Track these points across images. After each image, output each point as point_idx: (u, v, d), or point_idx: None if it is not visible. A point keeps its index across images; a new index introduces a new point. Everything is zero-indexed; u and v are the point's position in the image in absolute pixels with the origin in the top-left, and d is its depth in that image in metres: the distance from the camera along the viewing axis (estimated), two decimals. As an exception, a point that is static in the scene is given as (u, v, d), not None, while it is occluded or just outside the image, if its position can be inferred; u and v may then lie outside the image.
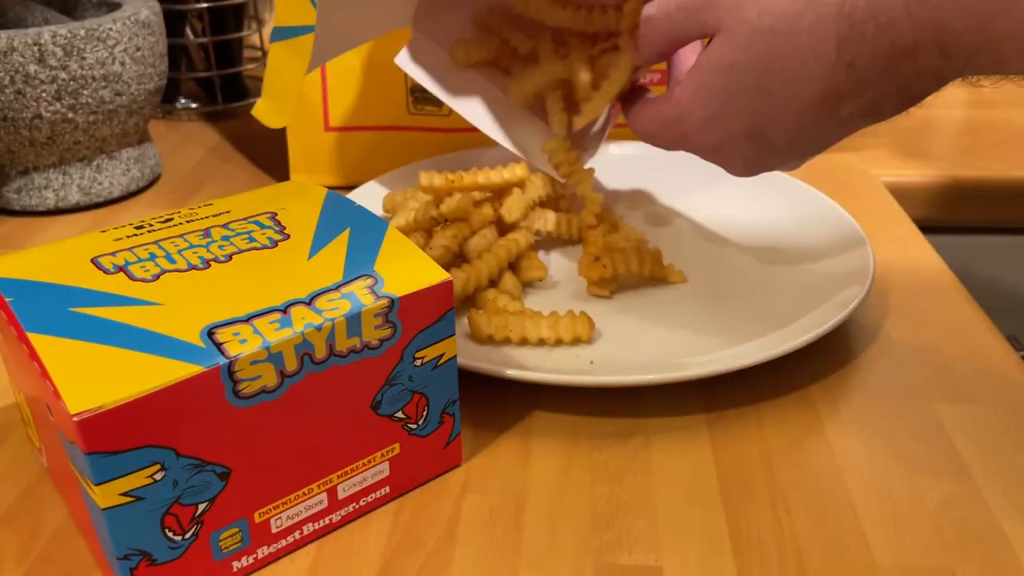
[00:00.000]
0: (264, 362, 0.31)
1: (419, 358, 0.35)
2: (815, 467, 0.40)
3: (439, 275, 0.35)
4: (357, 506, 0.37)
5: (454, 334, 0.36)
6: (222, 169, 0.75)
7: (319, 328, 0.32)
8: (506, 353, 0.46)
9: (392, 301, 0.33)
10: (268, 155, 0.76)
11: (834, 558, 0.35)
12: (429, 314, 0.35)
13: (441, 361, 0.36)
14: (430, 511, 0.38)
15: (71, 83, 0.60)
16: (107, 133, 0.65)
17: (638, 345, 0.47)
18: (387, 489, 0.37)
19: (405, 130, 0.69)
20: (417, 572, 0.35)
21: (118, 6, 0.68)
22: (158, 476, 0.30)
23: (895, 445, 0.41)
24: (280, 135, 0.69)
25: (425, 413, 0.37)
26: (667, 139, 0.44)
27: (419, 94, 0.68)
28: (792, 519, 0.37)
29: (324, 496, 0.35)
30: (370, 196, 0.60)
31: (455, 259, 0.52)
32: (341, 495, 0.36)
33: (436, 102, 0.68)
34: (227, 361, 0.30)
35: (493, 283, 0.51)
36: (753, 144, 0.40)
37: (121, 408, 0.28)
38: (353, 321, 0.32)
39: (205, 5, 0.82)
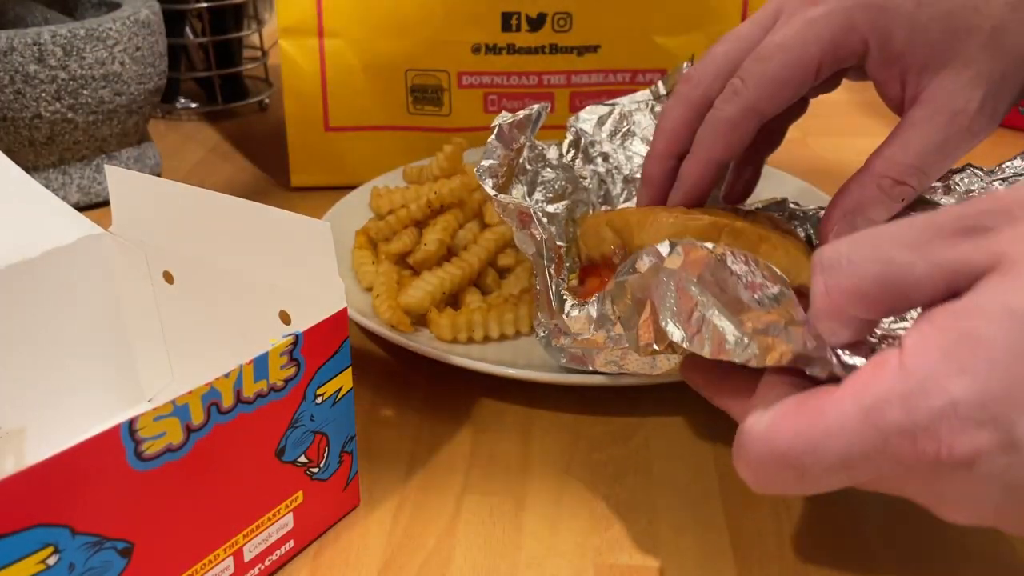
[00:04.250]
0: (169, 416, 0.28)
1: (320, 395, 0.34)
2: (815, 467, 0.40)
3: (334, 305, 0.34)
4: (263, 566, 0.34)
5: (350, 365, 0.34)
6: (222, 169, 0.75)
7: (227, 375, 0.29)
8: (506, 352, 0.46)
9: (297, 337, 0.32)
10: (268, 155, 0.76)
11: (834, 558, 0.35)
12: (328, 347, 0.33)
13: (339, 396, 0.35)
14: (430, 511, 0.38)
15: (71, 83, 0.60)
16: (107, 133, 0.65)
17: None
18: (291, 544, 0.35)
19: (405, 130, 0.69)
20: (417, 572, 0.35)
21: (118, 6, 0.68)
22: (51, 561, 0.26)
23: (895, 445, 0.41)
24: (280, 135, 0.69)
25: (326, 454, 0.35)
26: (850, 451, 0.23)
27: (419, 94, 0.68)
28: (792, 519, 0.37)
29: (231, 561, 0.32)
30: (369, 196, 0.60)
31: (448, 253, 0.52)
32: (247, 556, 0.33)
33: (436, 102, 0.68)
34: (127, 419, 0.27)
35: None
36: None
37: (8, 481, 0.24)
38: (260, 363, 0.30)
39: (205, 5, 0.82)
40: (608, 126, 0.53)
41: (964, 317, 0.23)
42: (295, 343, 0.31)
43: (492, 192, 0.42)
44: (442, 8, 0.65)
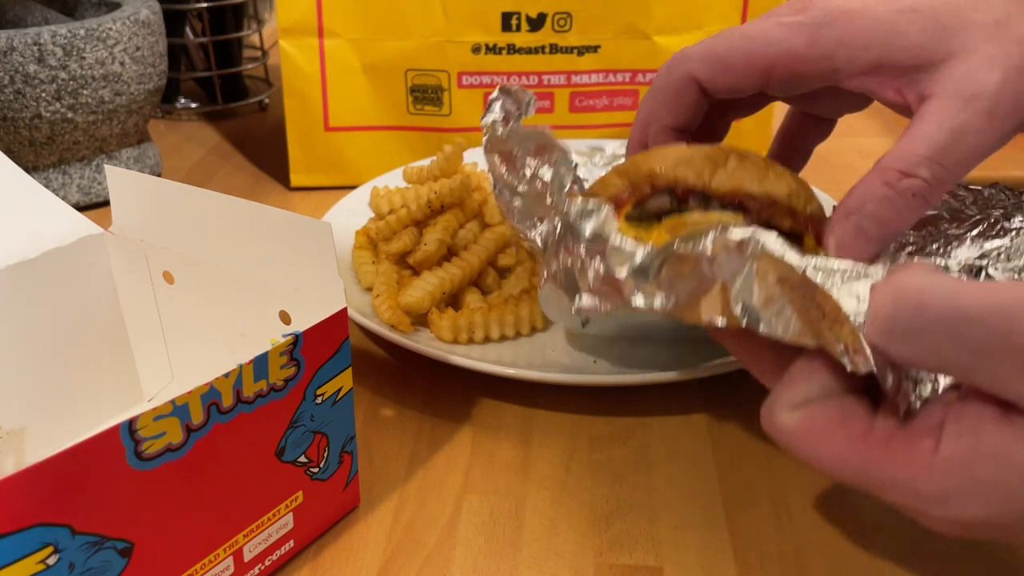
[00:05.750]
0: (168, 416, 0.28)
1: (320, 395, 0.34)
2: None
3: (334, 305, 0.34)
4: (263, 566, 0.34)
5: (350, 365, 0.34)
6: (222, 169, 0.75)
7: (227, 375, 0.29)
8: (506, 352, 0.46)
9: (297, 337, 0.31)
10: (268, 155, 0.76)
11: (834, 558, 0.35)
12: (328, 347, 0.33)
13: (339, 396, 0.35)
14: (430, 511, 0.38)
15: (71, 83, 0.60)
16: (107, 133, 0.65)
17: (639, 344, 0.47)
18: (291, 544, 0.35)
19: (405, 130, 0.69)
20: (417, 572, 0.35)
21: (118, 6, 0.68)
22: (51, 560, 0.26)
23: (895, 445, 0.41)
24: (280, 135, 0.69)
25: (326, 454, 0.35)
26: (854, 482, 0.27)
27: (419, 94, 0.68)
28: (792, 519, 0.37)
29: (230, 561, 0.32)
30: (369, 196, 0.60)
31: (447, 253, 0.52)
32: (247, 556, 0.33)
33: (436, 102, 0.68)
34: (127, 419, 0.27)
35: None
36: None
37: (8, 481, 0.24)
38: (260, 363, 0.30)
39: (205, 5, 0.82)
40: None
41: (1007, 462, 0.24)
42: (295, 343, 0.31)
43: (501, 129, 0.40)
44: (442, 8, 0.65)
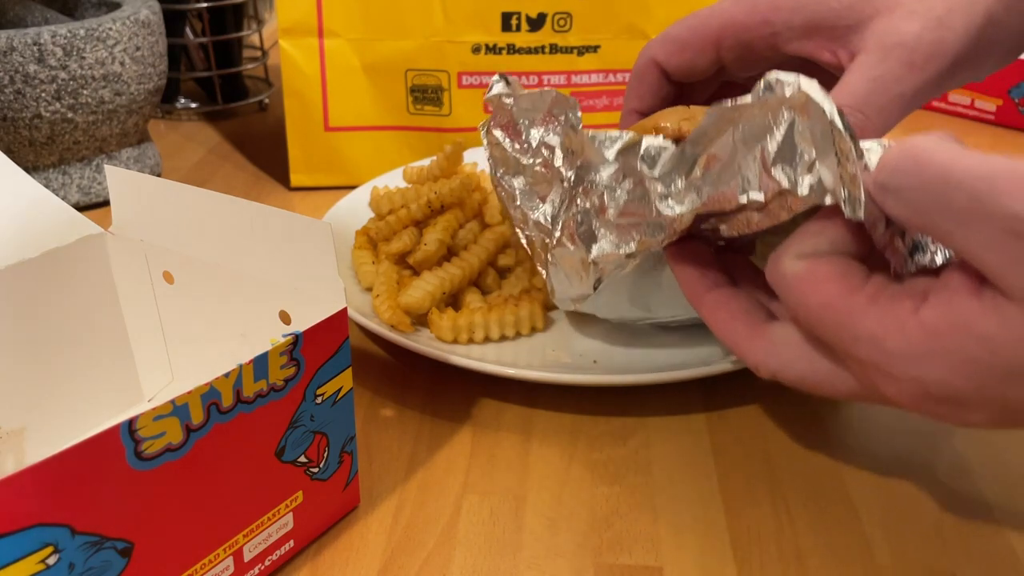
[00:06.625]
0: (168, 416, 0.28)
1: (320, 395, 0.34)
2: (815, 466, 0.40)
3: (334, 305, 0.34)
4: (263, 566, 0.34)
5: (350, 365, 0.34)
6: (222, 169, 0.75)
7: (227, 375, 0.29)
8: (506, 352, 0.46)
9: (297, 337, 0.31)
10: (268, 155, 0.76)
11: (834, 558, 0.35)
12: (328, 347, 0.33)
13: (339, 396, 0.35)
14: (430, 511, 0.38)
15: (71, 83, 0.60)
16: (107, 133, 0.65)
17: (639, 344, 0.47)
18: (291, 543, 0.35)
19: (405, 130, 0.69)
20: (417, 572, 0.35)
21: (118, 6, 0.69)
22: (51, 560, 0.26)
23: (895, 444, 0.41)
24: (280, 135, 0.69)
25: (326, 454, 0.35)
26: (829, 339, 0.29)
27: (419, 94, 0.68)
28: (792, 519, 0.37)
29: (230, 561, 0.32)
30: (369, 196, 0.60)
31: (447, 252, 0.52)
32: (247, 556, 0.33)
33: (436, 102, 0.68)
34: (127, 419, 0.27)
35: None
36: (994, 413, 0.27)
37: (8, 481, 0.24)
38: (260, 363, 0.30)
39: (205, 5, 0.82)
40: None
41: (971, 333, 0.25)
42: (295, 343, 0.31)
43: (508, 99, 0.40)
44: (442, 8, 0.65)
